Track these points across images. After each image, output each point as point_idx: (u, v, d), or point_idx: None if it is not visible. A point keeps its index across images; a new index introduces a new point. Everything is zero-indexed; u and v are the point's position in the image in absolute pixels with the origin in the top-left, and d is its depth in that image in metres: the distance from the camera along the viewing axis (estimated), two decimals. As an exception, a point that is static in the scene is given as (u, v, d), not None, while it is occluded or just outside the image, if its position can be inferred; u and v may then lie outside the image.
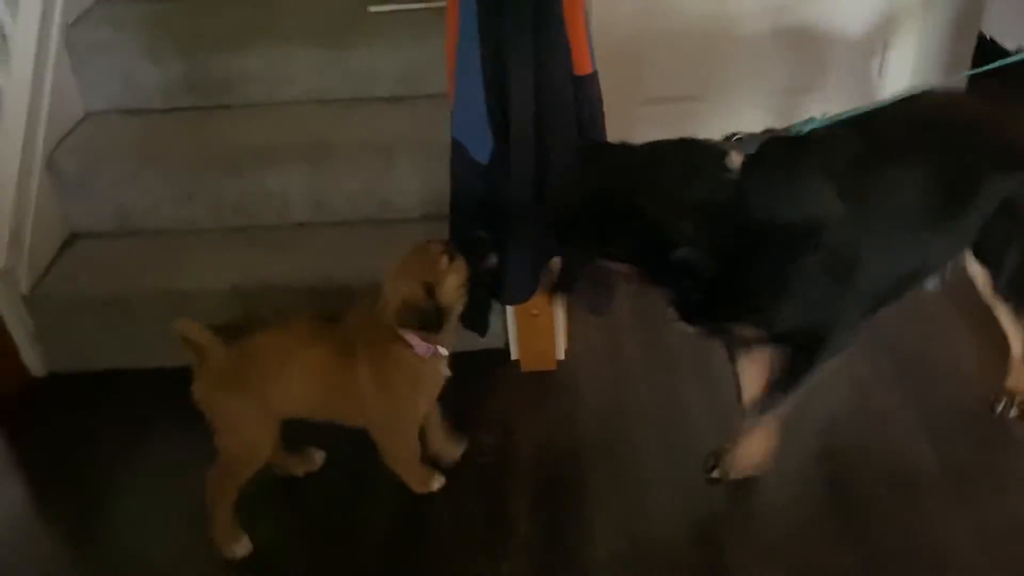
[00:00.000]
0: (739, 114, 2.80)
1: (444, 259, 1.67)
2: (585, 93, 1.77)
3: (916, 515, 1.79)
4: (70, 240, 2.42)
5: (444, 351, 1.74)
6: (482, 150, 1.77)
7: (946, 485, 1.85)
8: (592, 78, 1.77)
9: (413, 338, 1.68)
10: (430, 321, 1.65)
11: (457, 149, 1.81)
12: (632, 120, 2.73)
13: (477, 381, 2.19)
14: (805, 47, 2.68)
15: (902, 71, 2.69)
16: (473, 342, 2.14)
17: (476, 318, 2.08)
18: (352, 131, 2.38)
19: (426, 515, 1.86)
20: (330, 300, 2.21)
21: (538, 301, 2.07)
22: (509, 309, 2.16)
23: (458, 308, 1.72)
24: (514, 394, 2.17)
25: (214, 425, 1.72)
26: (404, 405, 1.76)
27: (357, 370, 1.70)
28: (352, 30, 2.44)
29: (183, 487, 1.86)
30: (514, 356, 2.25)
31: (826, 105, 2.65)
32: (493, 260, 1.75)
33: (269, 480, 1.94)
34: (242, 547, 1.80)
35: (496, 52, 1.68)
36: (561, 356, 2.25)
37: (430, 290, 1.65)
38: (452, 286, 1.68)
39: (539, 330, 2.18)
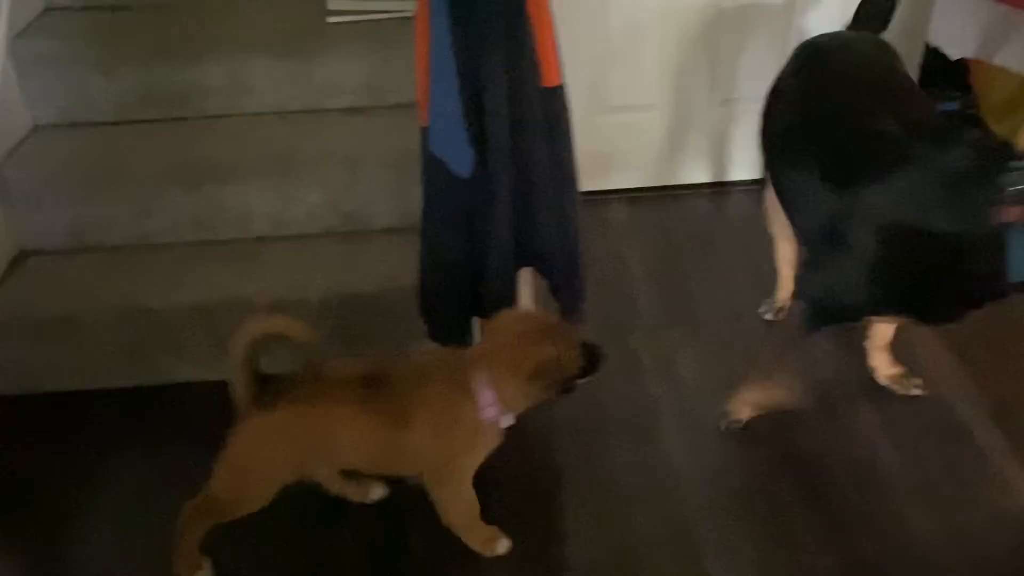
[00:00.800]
0: (693, 122, 2.85)
1: (577, 350, 1.64)
2: (554, 104, 1.77)
3: (889, 518, 1.82)
4: (20, 258, 2.33)
5: (507, 422, 1.69)
6: (463, 164, 1.76)
7: (913, 486, 1.89)
8: (561, 90, 1.77)
9: (486, 397, 1.62)
10: (557, 386, 1.63)
11: (435, 165, 1.80)
12: (593, 128, 2.77)
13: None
14: (756, 57, 2.73)
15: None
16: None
17: (455, 331, 2.06)
18: (313, 143, 2.35)
19: (404, 534, 1.84)
20: (293, 315, 2.18)
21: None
22: (475, 321, 2.15)
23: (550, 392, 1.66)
24: (483, 406, 2.16)
25: (225, 464, 1.64)
26: (457, 461, 1.69)
27: (413, 425, 1.62)
28: (311, 41, 2.41)
29: (149, 515, 1.82)
30: (482, 368, 2.23)
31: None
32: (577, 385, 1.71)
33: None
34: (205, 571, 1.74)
35: (470, 64, 1.67)
36: (529, 367, 2.24)
37: (562, 361, 1.62)
38: (573, 372, 1.66)
39: (507, 341, 2.17)
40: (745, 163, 2.90)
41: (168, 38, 2.47)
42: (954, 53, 2.76)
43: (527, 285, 2.11)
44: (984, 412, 2.04)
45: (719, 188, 2.93)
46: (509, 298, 2.01)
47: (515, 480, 1.96)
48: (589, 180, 2.83)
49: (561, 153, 1.84)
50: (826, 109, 1.89)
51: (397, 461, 1.70)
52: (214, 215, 2.32)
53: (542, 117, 1.77)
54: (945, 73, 2.75)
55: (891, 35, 2.70)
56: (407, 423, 1.62)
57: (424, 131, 1.80)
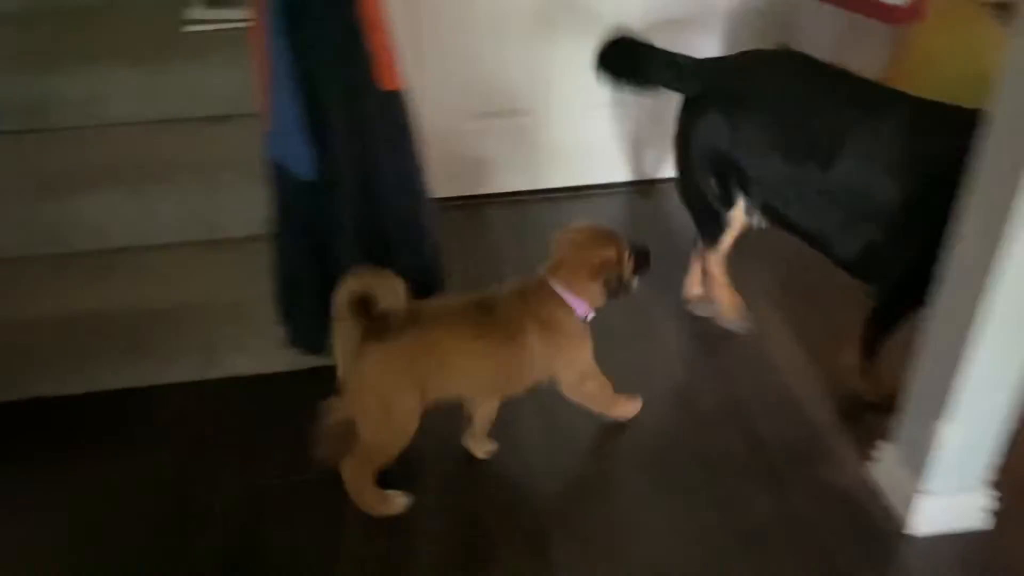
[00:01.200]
0: (567, 126, 2.90)
1: (627, 251, 1.84)
2: (394, 107, 1.79)
3: (728, 496, 1.89)
4: None
5: (589, 318, 1.87)
6: (303, 165, 1.77)
7: (756, 467, 1.95)
8: (401, 94, 1.79)
9: (573, 299, 1.82)
10: (618, 283, 1.83)
11: (277, 170, 1.81)
12: (468, 134, 2.80)
13: (308, 398, 2.15)
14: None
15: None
16: (307, 360, 2.13)
17: (312, 335, 2.05)
18: (173, 152, 2.34)
19: (259, 537, 1.84)
20: (156, 325, 2.16)
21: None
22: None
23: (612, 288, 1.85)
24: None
25: (361, 416, 1.74)
26: (579, 354, 1.87)
27: (525, 339, 1.79)
28: (168, 50, 2.39)
29: (45, 520, 1.79)
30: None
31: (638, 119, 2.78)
32: (634, 286, 1.88)
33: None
34: (400, 500, 1.86)
35: (305, 67, 1.68)
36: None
37: (620, 261, 1.83)
38: (628, 268, 1.85)
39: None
40: (620, 165, 2.97)
41: (22, 47, 2.43)
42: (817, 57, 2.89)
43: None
44: (821, 388, 2.14)
45: (597, 190, 3.00)
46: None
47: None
48: (467, 185, 2.89)
49: (406, 154, 1.86)
50: (833, 112, 1.96)
51: (513, 377, 1.84)
52: (70, 227, 2.27)
53: (382, 119, 1.79)
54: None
55: (765, 45, 2.82)
56: (518, 338, 1.78)
57: (266, 136, 1.81)
